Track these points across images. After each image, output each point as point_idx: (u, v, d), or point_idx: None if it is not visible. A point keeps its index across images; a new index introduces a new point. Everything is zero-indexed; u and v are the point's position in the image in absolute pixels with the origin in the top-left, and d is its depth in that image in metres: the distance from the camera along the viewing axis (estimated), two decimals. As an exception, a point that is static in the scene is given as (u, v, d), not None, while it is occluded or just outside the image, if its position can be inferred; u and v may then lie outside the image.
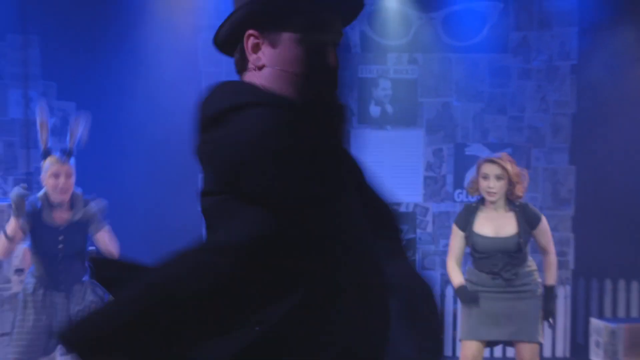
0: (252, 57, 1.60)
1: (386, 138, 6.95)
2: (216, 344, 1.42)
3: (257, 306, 1.44)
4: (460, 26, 7.01)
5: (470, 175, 5.36)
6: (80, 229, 4.49)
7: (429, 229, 7.09)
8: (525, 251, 4.38)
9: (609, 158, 6.69)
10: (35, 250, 4.44)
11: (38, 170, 5.17)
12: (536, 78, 6.97)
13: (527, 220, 4.38)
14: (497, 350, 6.32)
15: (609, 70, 6.74)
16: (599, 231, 6.77)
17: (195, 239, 1.61)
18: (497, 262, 4.32)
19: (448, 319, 6.83)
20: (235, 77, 1.69)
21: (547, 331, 6.62)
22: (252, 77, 1.60)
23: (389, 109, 7.08)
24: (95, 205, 4.53)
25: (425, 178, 7.07)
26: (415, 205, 7.07)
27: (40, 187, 4.59)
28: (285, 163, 1.40)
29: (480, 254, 4.37)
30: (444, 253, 5.04)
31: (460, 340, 4.55)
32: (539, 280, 4.45)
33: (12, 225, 4.37)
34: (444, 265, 4.73)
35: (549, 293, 4.35)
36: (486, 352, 4.55)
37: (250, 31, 1.58)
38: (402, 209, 7.08)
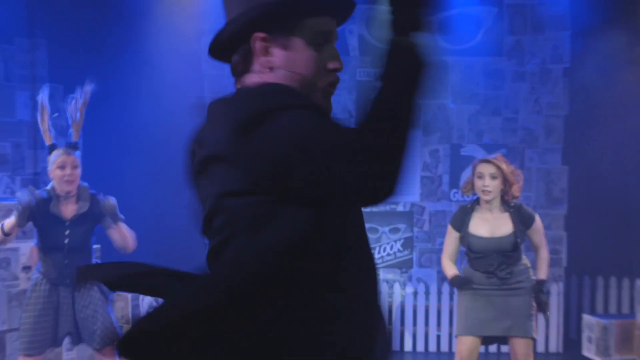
0: (261, 60, 1.58)
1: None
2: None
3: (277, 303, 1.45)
4: (456, 30, 7.00)
5: (465, 175, 5.36)
6: (87, 222, 4.48)
7: (426, 227, 7.09)
8: (520, 250, 4.38)
9: (601, 158, 6.69)
10: (42, 244, 4.43)
11: (45, 171, 5.17)
12: (530, 81, 6.97)
13: (522, 221, 4.38)
14: (492, 346, 6.33)
15: (601, 73, 6.74)
16: (591, 229, 6.77)
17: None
18: (493, 261, 4.32)
19: (444, 316, 6.84)
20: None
21: (541, 327, 6.64)
22: (259, 78, 1.58)
23: (387, 110, 7.07)
24: (113, 200, 4.53)
25: (422, 178, 7.07)
26: (412, 204, 7.07)
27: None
28: (334, 161, 1.36)
29: (475, 254, 4.37)
30: (440, 251, 5.05)
31: (456, 336, 4.54)
32: (533, 277, 4.45)
33: (11, 222, 4.36)
34: (440, 262, 4.72)
35: (540, 286, 4.34)
36: (481, 348, 4.54)
37: (260, 34, 1.56)
38: (400, 208, 7.08)
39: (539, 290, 4.32)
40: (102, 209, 4.51)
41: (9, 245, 4.90)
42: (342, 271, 1.51)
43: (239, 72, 1.63)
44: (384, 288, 6.92)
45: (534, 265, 4.51)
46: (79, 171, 4.44)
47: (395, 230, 7.07)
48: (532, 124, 7.02)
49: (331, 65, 1.61)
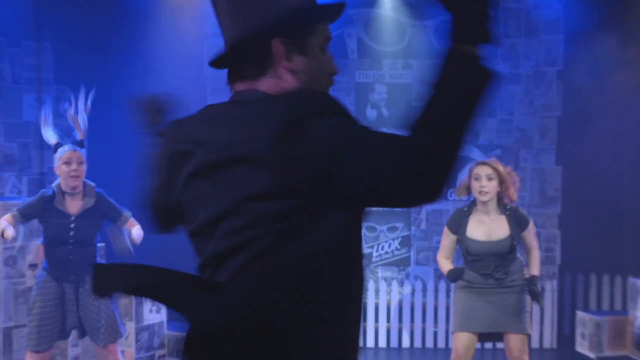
0: (283, 64, 1.56)
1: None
2: None
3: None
4: (452, 33, 7.00)
5: (461, 175, 5.34)
6: (92, 218, 4.49)
7: (423, 226, 7.09)
8: (515, 252, 4.39)
9: (594, 158, 6.69)
10: (48, 240, 4.43)
11: (51, 171, 5.17)
12: (524, 83, 6.97)
13: (518, 223, 4.37)
14: (487, 342, 6.32)
15: (593, 75, 6.75)
16: (584, 228, 6.77)
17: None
18: (490, 263, 4.32)
19: (441, 313, 6.83)
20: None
21: (535, 323, 6.64)
22: (278, 83, 1.57)
23: (385, 112, 7.08)
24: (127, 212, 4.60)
25: (419, 178, 7.06)
26: (410, 203, 7.06)
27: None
28: (385, 165, 1.36)
29: (473, 256, 4.36)
30: (437, 249, 5.04)
31: (452, 333, 4.54)
32: (526, 275, 4.44)
33: (6, 220, 4.39)
34: (437, 260, 4.71)
35: (533, 280, 4.34)
36: (477, 345, 4.54)
37: (280, 39, 1.55)
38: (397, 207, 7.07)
39: (532, 284, 4.31)
40: (107, 209, 4.53)
41: (16, 243, 4.90)
42: (354, 272, 1.54)
43: (248, 76, 1.58)
44: (382, 286, 6.92)
45: (527, 264, 4.51)
46: (84, 167, 4.44)
47: (393, 229, 7.07)
48: (526, 125, 7.01)
49: (332, 69, 1.64)
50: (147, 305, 5.70)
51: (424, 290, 6.91)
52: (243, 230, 1.45)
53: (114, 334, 4.50)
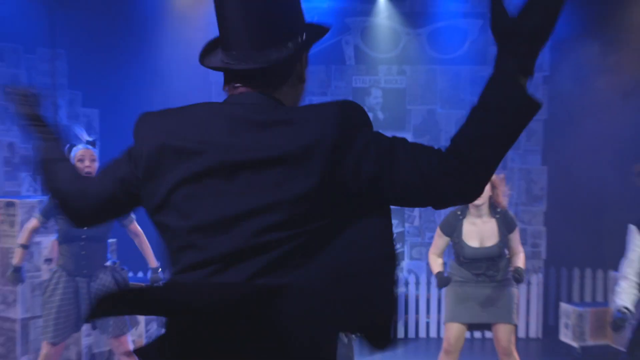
0: (300, 73, 1.60)
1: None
2: None
3: None
4: (444, 41, 7.01)
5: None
6: None
7: (416, 222, 7.10)
8: (504, 253, 4.42)
9: (577, 159, 6.70)
10: (61, 236, 4.43)
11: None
12: (512, 87, 6.97)
13: (506, 226, 4.40)
14: (477, 332, 6.34)
15: (577, 80, 6.75)
16: (568, 225, 6.78)
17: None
18: (482, 265, 4.36)
19: (433, 304, 6.84)
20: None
21: (522, 314, 6.65)
22: (292, 91, 1.59)
23: (380, 115, 7.08)
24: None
25: (413, 177, 7.06)
26: (404, 201, 7.07)
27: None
28: (425, 168, 1.44)
29: (466, 259, 4.39)
30: (429, 245, 5.03)
31: (444, 323, 4.55)
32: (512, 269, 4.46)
33: (28, 229, 4.51)
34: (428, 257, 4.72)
35: (517, 268, 4.35)
36: (467, 334, 4.55)
37: (306, 53, 1.60)
38: (392, 205, 7.08)
39: (516, 272, 4.34)
40: None
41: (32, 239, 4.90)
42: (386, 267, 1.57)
43: (268, 84, 1.55)
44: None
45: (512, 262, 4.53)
46: (97, 165, 4.44)
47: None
48: (514, 128, 7.01)
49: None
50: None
51: (417, 283, 6.92)
52: (276, 229, 1.42)
53: (122, 327, 4.51)
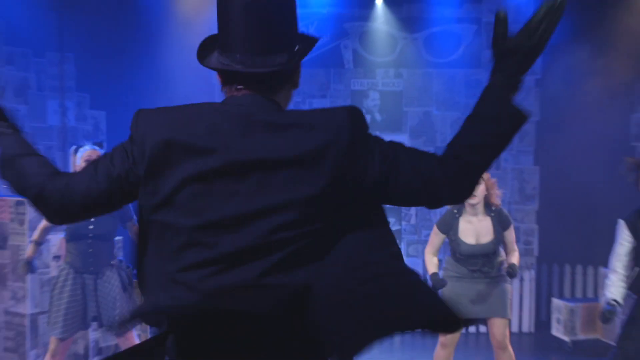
0: (297, 80, 1.63)
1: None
2: None
3: None
4: (440, 45, 7.01)
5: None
6: (110, 214, 4.47)
7: (413, 221, 7.10)
8: (499, 251, 4.42)
9: (569, 159, 6.70)
10: (69, 234, 4.43)
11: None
12: (505, 90, 6.97)
13: (501, 223, 4.40)
14: (472, 326, 6.33)
15: (568, 83, 6.76)
16: (559, 223, 6.79)
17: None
18: (477, 261, 4.36)
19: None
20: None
21: (515, 309, 6.65)
22: (286, 95, 1.61)
23: (378, 117, 7.08)
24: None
25: (409, 177, 7.06)
26: (401, 200, 7.06)
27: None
28: (426, 171, 1.53)
29: (462, 255, 4.39)
30: (425, 242, 5.04)
31: (440, 318, 4.54)
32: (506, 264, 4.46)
33: (41, 228, 4.53)
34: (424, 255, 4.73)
35: (511, 265, 4.36)
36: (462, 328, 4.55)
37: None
38: (389, 203, 7.08)
39: (510, 267, 4.34)
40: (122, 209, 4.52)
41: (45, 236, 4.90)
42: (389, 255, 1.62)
43: (271, 88, 1.56)
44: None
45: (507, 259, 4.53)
46: None
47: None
48: (507, 129, 7.01)
49: None
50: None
51: (414, 279, 6.91)
52: (288, 227, 1.43)
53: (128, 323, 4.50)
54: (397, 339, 6.51)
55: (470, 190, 1.52)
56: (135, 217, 4.55)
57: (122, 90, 6.53)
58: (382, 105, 7.07)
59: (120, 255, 5.16)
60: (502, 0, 6.95)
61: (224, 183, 1.45)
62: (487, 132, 1.50)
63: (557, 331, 6.34)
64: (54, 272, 5.15)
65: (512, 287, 4.53)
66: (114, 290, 4.40)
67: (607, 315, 3.95)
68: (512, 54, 1.51)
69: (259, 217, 1.43)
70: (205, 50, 1.63)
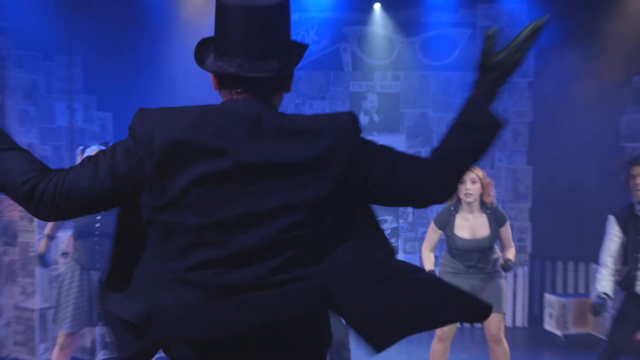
0: (290, 85, 1.62)
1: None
2: None
3: None
4: (436, 48, 7.01)
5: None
6: (117, 211, 4.46)
7: (410, 219, 7.09)
8: (494, 247, 4.40)
9: (560, 159, 6.70)
10: (76, 232, 4.41)
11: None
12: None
13: (497, 220, 4.39)
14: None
15: (560, 86, 6.75)
16: (552, 221, 6.79)
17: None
18: (473, 256, 4.34)
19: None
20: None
21: (509, 305, 6.65)
22: (279, 99, 1.61)
23: (376, 118, 7.08)
24: None
25: (406, 176, 7.05)
26: (398, 199, 7.06)
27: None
28: (417, 174, 1.60)
29: (458, 251, 4.38)
30: (422, 239, 5.04)
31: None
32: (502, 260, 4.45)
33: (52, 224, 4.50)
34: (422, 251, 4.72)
35: (507, 260, 4.35)
36: (458, 323, 4.54)
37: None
38: (387, 202, 7.07)
39: (505, 261, 4.33)
40: None
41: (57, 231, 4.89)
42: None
43: (268, 91, 1.56)
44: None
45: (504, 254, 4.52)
46: None
47: (383, 222, 7.07)
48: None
49: None
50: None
51: (411, 275, 6.90)
52: (298, 227, 1.45)
53: None
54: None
55: (454, 189, 1.59)
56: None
57: (128, 92, 6.52)
58: (380, 107, 7.07)
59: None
60: (496, 5, 6.96)
61: (234, 184, 1.44)
62: (470, 139, 1.58)
63: (549, 325, 6.34)
64: (62, 269, 5.14)
65: (506, 283, 4.52)
66: None
67: (598, 308, 3.95)
68: (496, 69, 1.61)
69: (269, 217, 1.44)
70: (201, 53, 1.63)
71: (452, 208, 4.43)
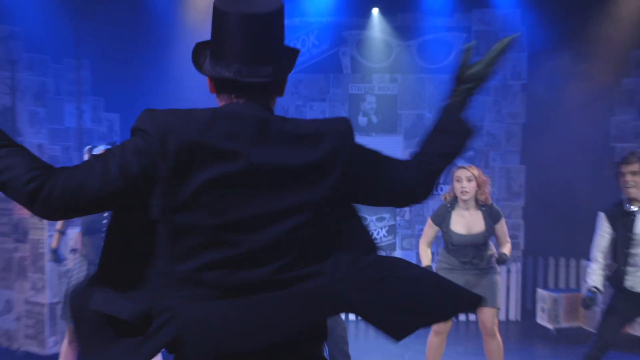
0: (284, 89, 1.63)
1: (371, 143, 6.80)
2: None
3: None
4: (432, 52, 7.01)
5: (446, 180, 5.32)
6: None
7: (407, 216, 7.10)
8: (489, 243, 4.40)
9: (553, 159, 6.71)
10: (84, 228, 4.41)
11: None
12: (493, 94, 6.98)
13: (492, 217, 4.38)
14: (462, 315, 6.33)
15: (552, 88, 6.76)
16: (544, 218, 6.79)
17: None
18: (468, 252, 4.34)
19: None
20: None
21: (502, 299, 6.65)
22: (275, 101, 1.61)
23: (374, 119, 7.08)
24: None
25: (403, 175, 7.06)
26: (395, 197, 7.06)
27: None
28: (402, 175, 1.68)
29: (454, 246, 4.38)
30: (419, 236, 5.05)
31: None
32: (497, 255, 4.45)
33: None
34: (418, 245, 4.72)
35: (502, 254, 4.34)
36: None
37: None
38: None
39: (500, 255, 4.33)
40: None
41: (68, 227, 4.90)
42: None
43: (266, 94, 1.56)
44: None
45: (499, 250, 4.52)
46: None
47: (380, 219, 7.07)
48: (495, 130, 7.02)
49: None
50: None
51: (408, 271, 6.91)
52: (306, 226, 1.49)
53: None
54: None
55: (433, 188, 1.67)
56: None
57: (134, 94, 6.53)
58: (378, 108, 7.07)
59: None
60: (490, 10, 6.96)
61: (245, 185, 1.44)
62: (447, 144, 1.68)
63: (541, 319, 6.35)
64: (70, 264, 5.15)
65: (500, 278, 4.52)
66: None
67: (588, 301, 3.95)
68: (469, 81, 1.71)
69: (278, 217, 1.46)
70: (198, 57, 1.63)
71: (449, 205, 4.43)
